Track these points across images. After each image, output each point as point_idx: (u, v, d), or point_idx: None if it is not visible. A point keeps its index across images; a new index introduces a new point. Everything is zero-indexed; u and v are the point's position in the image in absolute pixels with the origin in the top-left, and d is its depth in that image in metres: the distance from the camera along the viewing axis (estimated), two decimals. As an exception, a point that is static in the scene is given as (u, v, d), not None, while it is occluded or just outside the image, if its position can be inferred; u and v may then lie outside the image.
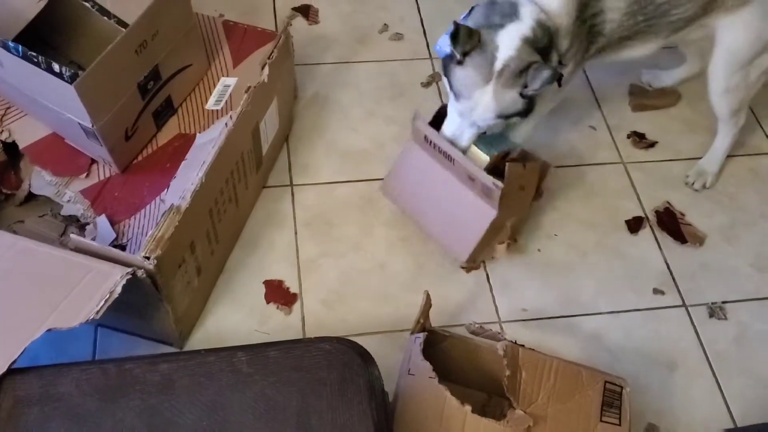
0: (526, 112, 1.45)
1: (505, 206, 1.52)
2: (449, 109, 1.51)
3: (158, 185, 1.55)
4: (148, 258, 1.25)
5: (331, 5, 2.14)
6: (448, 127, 1.51)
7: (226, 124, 1.45)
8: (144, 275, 1.24)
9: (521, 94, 1.40)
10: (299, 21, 2.10)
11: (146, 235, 1.47)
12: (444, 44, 1.52)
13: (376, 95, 1.96)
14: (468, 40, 1.38)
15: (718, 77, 1.65)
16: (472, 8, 1.49)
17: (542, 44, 1.40)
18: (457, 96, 1.45)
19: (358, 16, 2.13)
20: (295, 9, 2.11)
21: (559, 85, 1.41)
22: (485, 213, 1.53)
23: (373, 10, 2.15)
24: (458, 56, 1.40)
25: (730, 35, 1.58)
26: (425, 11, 2.16)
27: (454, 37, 1.38)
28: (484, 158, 1.51)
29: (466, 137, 1.50)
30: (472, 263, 1.63)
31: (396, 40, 2.08)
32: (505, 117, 1.45)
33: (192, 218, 1.35)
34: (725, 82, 1.65)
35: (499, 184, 1.46)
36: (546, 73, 1.34)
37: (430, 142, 1.56)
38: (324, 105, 1.92)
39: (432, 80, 1.99)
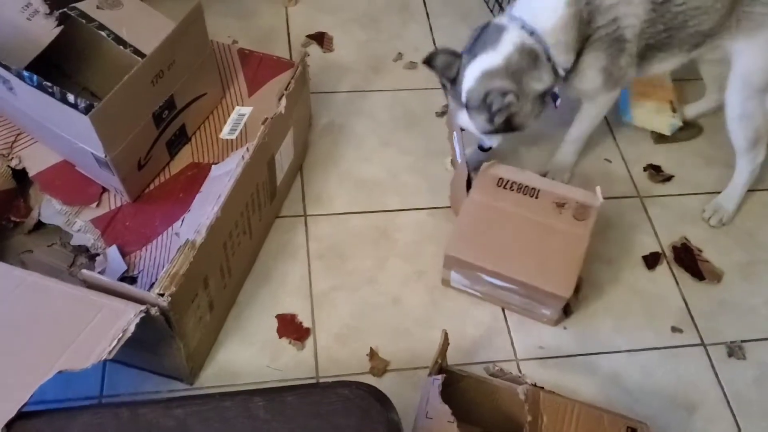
0: (514, 128, 1.57)
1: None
2: None
3: (170, 215, 1.53)
4: (162, 295, 1.22)
5: (345, 33, 2.13)
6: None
7: (243, 156, 1.43)
8: (157, 313, 1.21)
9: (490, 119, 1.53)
10: (314, 48, 2.08)
11: (158, 266, 1.46)
12: None
13: (390, 124, 1.94)
14: (446, 69, 1.58)
15: (734, 103, 1.64)
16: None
17: (520, 66, 1.50)
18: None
19: (372, 45, 2.12)
20: (309, 36, 2.10)
21: (554, 103, 1.57)
22: (578, 238, 1.50)
23: (387, 39, 2.14)
24: (443, 81, 1.59)
25: (745, 59, 1.58)
26: (439, 40, 2.15)
27: (428, 61, 1.59)
28: None
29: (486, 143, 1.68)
30: (575, 298, 1.57)
31: (410, 69, 2.07)
32: (493, 133, 1.59)
33: (207, 253, 1.33)
34: (740, 108, 1.64)
35: (599, 197, 1.54)
36: (501, 99, 1.47)
37: (507, 182, 1.57)
38: (338, 134, 1.90)
39: (446, 110, 1.98)
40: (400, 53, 2.10)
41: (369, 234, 1.72)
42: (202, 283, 1.36)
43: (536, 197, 1.55)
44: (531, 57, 1.49)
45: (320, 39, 2.10)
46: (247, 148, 1.44)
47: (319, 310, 1.58)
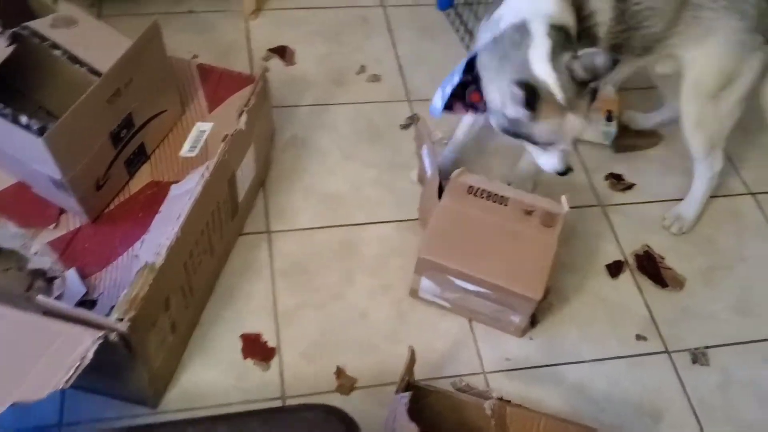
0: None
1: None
2: (535, 153, 1.46)
3: (131, 236, 1.50)
4: (121, 320, 1.19)
5: (307, 46, 2.12)
6: (548, 163, 1.45)
7: (202, 174, 1.41)
8: (116, 338, 1.18)
9: (589, 84, 1.34)
10: (275, 62, 2.07)
11: (119, 288, 1.43)
12: (437, 105, 1.50)
13: (353, 138, 1.93)
14: (533, 96, 1.31)
15: (688, 111, 1.66)
16: (472, 58, 1.44)
17: (564, 40, 1.35)
18: (546, 144, 1.41)
19: (335, 58, 2.11)
20: (271, 50, 2.09)
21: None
22: (546, 243, 1.52)
23: (350, 52, 2.13)
24: (530, 115, 1.33)
25: (695, 66, 1.59)
26: (402, 52, 2.15)
27: (531, 100, 1.30)
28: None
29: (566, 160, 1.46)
30: (548, 291, 1.57)
31: (373, 82, 2.07)
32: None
33: (167, 274, 1.30)
34: (695, 115, 1.66)
35: (565, 205, 1.55)
36: (598, 57, 1.30)
37: (477, 190, 1.57)
38: (301, 148, 1.89)
39: (410, 122, 1.97)
40: (362, 66, 2.10)
41: (334, 249, 1.71)
42: (163, 304, 1.34)
43: (505, 205, 1.57)
44: (562, 31, 1.37)
45: (282, 52, 2.09)
46: (207, 166, 1.42)
47: (285, 329, 1.56)
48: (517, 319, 1.56)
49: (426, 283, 1.58)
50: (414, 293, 1.63)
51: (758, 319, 1.69)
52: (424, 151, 1.68)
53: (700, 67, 1.59)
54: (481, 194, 1.59)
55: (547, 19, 1.36)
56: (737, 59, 1.56)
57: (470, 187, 1.60)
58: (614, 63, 1.31)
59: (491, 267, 1.50)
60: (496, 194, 1.59)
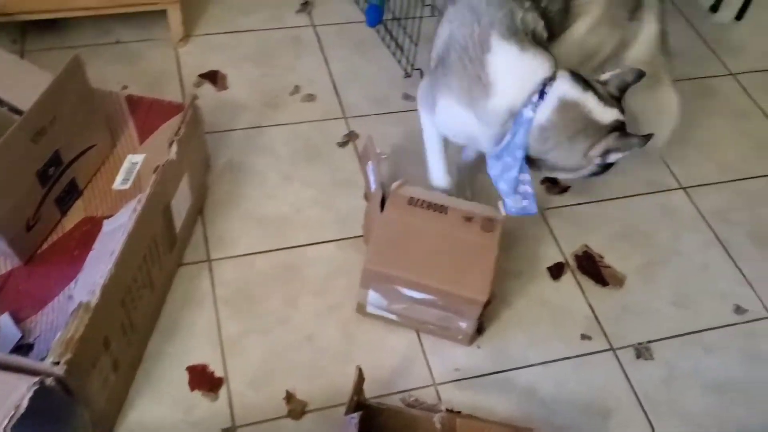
0: None
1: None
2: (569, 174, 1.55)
3: (67, 275, 1.47)
4: (57, 363, 1.16)
5: (238, 70, 2.11)
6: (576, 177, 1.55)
7: (135, 208, 1.39)
8: (53, 383, 1.15)
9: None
10: (207, 88, 2.05)
11: (56, 330, 1.38)
12: (530, 207, 1.56)
13: (291, 159, 1.93)
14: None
15: None
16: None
17: (581, 79, 1.45)
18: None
19: (267, 80, 2.10)
20: (201, 76, 2.07)
21: None
22: (488, 247, 1.54)
23: (282, 73, 2.13)
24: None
25: (563, 43, 1.61)
26: (335, 70, 2.15)
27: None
28: None
29: None
30: (494, 297, 1.58)
31: (308, 102, 2.06)
32: None
33: (104, 313, 1.28)
34: None
35: (502, 211, 1.58)
36: (628, 75, 1.48)
37: (417, 200, 1.60)
38: (238, 173, 1.87)
39: (348, 139, 1.98)
40: (296, 86, 2.09)
41: (277, 273, 1.69)
42: (103, 344, 1.31)
43: (445, 213, 1.59)
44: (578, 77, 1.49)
45: (213, 78, 2.07)
46: (139, 199, 1.40)
47: (231, 357, 1.54)
48: (465, 325, 1.57)
49: (373, 296, 1.59)
50: (361, 309, 1.63)
51: (696, 311, 1.74)
52: (370, 168, 1.69)
53: (567, 44, 1.62)
54: (422, 204, 1.60)
55: (567, 78, 1.42)
56: (602, 35, 1.62)
57: (411, 198, 1.62)
58: (641, 75, 1.46)
59: (436, 273, 1.52)
60: (436, 204, 1.61)
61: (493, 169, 1.54)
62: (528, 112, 1.42)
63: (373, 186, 1.66)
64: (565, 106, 1.41)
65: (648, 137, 1.42)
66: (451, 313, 1.54)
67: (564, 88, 1.41)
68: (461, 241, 1.56)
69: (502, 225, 1.58)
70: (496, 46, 1.41)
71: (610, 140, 1.42)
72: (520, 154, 1.45)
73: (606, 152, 1.43)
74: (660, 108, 1.75)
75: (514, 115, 1.43)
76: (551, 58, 1.44)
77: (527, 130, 1.43)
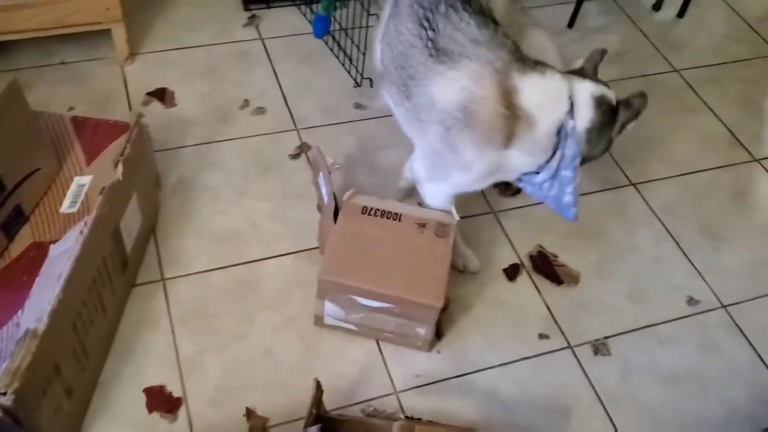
0: None
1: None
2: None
3: (15, 303, 1.42)
4: (4, 393, 1.14)
5: (186, 86, 2.10)
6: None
7: (81, 231, 1.37)
8: (1, 414, 1.13)
9: None
10: (155, 105, 2.03)
11: (5, 360, 1.35)
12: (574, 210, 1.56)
13: (243, 173, 1.92)
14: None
15: None
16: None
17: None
18: None
19: (216, 95, 2.09)
20: (149, 94, 2.05)
21: None
22: (441, 253, 1.55)
23: (231, 87, 2.12)
24: None
25: None
26: (285, 82, 2.15)
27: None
28: None
29: None
30: (446, 309, 1.59)
31: (258, 115, 2.06)
32: None
33: (53, 339, 1.25)
34: None
35: (455, 215, 1.60)
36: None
37: (371, 209, 1.60)
38: (190, 190, 1.86)
39: (300, 151, 1.98)
40: (246, 100, 2.08)
41: (233, 289, 1.68)
42: (53, 371, 1.28)
43: (399, 220, 1.60)
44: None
45: (161, 95, 2.05)
46: (85, 222, 1.38)
47: (189, 377, 1.52)
48: (423, 331, 1.57)
49: (330, 308, 1.58)
50: (319, 320, 1.62)
51: (650, 305, 1.77)
52: (321, 179, 1.69)
53: None
54: (375, 213, 1.61)
55: (579, 77, 1.50)
56: None
57: (364, 207, 1.62)
58: (605, 51, 1.57)
59: (391, 281, 1.52)
60: (389, 211, 1.62)
61: (547, 190, 1.54)
62: (571, 123, 1.45)
63: (325, 197, 1.65)
64: (597, 102, 1.47)
65: (644, 94, 1.52)
66: (409, 320, 1.55)
67: (587, 86, 1.48)
68: (415, 248, 1.56)
69: (455, 230, 1.59)
70: (521, 84, 1.42)
71: (624, 114, 1.51)
72: (577, 162, 1.48)
73: (623, 127, 1.53)
74: (539, 48, 1.74)
75: (555, 133, 1.46)
76: (556, 64, 1.50)
77: (575, 139, 1.45)
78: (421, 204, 1.69)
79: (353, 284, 1.52)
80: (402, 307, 1.52)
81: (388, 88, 1.63)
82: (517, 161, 1.50)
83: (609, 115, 1.49)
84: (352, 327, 1.61)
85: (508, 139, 1.45)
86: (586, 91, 1.47)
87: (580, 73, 1.52)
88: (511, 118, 1.42)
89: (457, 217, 1.60)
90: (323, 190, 1.68)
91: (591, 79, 1.50)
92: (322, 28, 2.22)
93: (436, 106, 1.46)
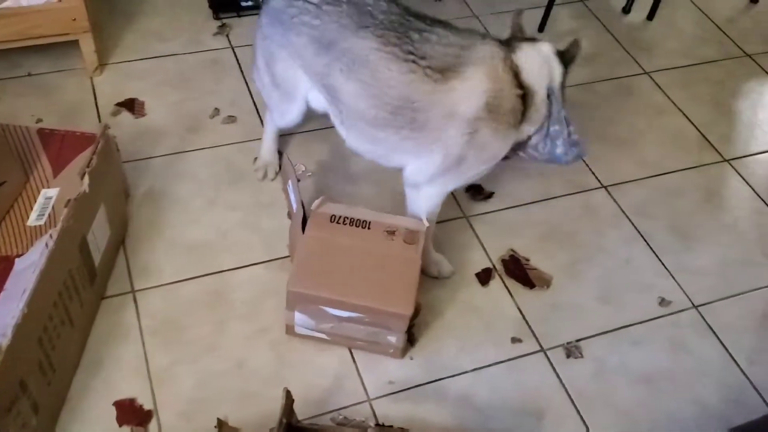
0: None
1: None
2: None
3: (-19, 318, 1.42)
4: (-34, 413, 1.12)
5: (157, 96, 2.08)
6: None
7: (46, 244, 1.36)
8: (-37, 433, 1.11)
9: None
10: (125, 116, 2.02)
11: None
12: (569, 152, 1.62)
13: (214, 182, 1.91)
14: None
15: None
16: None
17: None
18: None
19: (186, 104, 2.08)
20: (119, 104, 2.04)
21: None
22: (411, 260, 1.55)
23: (201, 96, 2.11)
24: None
25: None
26: (255, 91, 2.13)
27: None
28: None
29: None
30: (417, 316, 1.60)
31: (229, 123, 2.05)
32: None
33: (18, 354, 1.24)
34: None
35: (425, 222, 1.59)
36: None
37: (339, 218, 1.59)
38: (160, 200, 1.84)
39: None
40: (216, 109, 2.08)
41: (204, 299, 1.67)
42: (18, 387, 1.27)
43: (368, 228, 1.60)
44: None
45: (131, 105, 2.04)
46: (50, 235, 1.36)
47: (160, 389, 1.51)
48: (394, 339, 1.57)
49: (300, 318, 1.57)
50: (290, 330, 1.61)
51: (622, 306, 1.77)
52: (290, 187, 1.68)
53: None
54: (344, 221, 1.60)
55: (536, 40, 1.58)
56: None
57: (332, 216, 1.61)
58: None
59: (360, 290, 1.51)
60: (358, 219, 1.61)
61: (542, 148, 1.59)
62: (555, 83, 1.54)
63: (294, 205, 1.65)
64: (559, 57, 1.54)
65: (578, 42, 1.56)
66: (379, 328, 1.54)
67: (546, 46, 1.54)
68: (384, 256, 1.56)
69: (424, 236, 1.59)
70: (518, 62, 1.50)
71: (572, 62, 1.56)
72: (564, 113, 1.55)
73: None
74: None
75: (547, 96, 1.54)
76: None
77: (558, 94, 1.54)
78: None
79: (322, 295, 1.51)
80: (371, 316, 1.52)
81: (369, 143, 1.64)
82: (524, 134, 1.56)
83: (566, 65, 1.56)
84: (324, 336, 1.60)
85: (523, 115, 1.52)
86: (548, 50, 1.54)
87: (530, 39, 1.57)
88: (522, 96, 1.50)
89: (426, 223, 1.60)
90: (292, 198, 1.67)
91: (535, 40, 1.57)
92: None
93: (457, 118, 1.49)
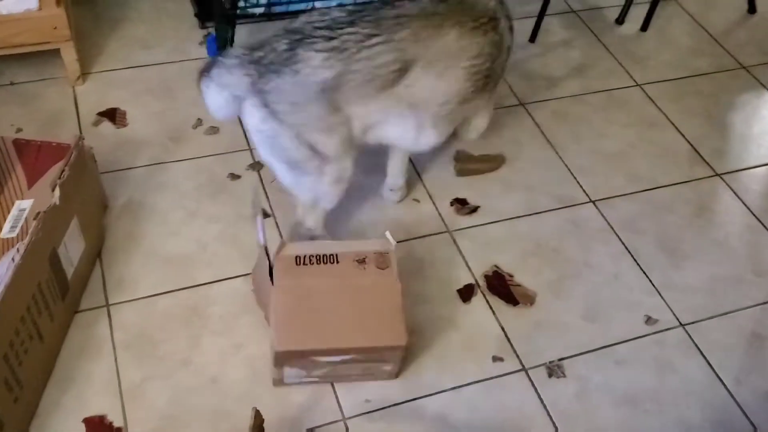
0: None
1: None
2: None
3: (-52, 334, 1.40)
4: None
5: (139, 106, 2.06)
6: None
7: (12, 258, 1.33)
8: None
9: None
10: (106, 125, 1.99)
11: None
12: None
13: (195, 194, 1.88)
14: None
15: None
16: None
17: None
18: None
19: (169, 114, 2.06)
20: (100, 114, 2.01)
21: None
22: (389, 285, 1.50)
23: (184, 106, 2.08)
24: None
25: None
26: (239, 101, 2.12)
27: None
28: None
29: None
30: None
31: (211, 134, 2.02)
32: None
33: (-21, 372, 1.21)
34: None
35: (391, 241, 1.54)
36: None
37: (304, 257, 1.52)
38: (139, 212, 1.82)
39: (252, 170, 1.94)
40: (199, 119, 2.05)
41: (180, 313, 1.64)
42: (-19, 404, 1.24)
43: (336, 262, 1.53)
44: None
45: (112, 115, 2.02)
46: (17, 249, 1.34)
47: (131, 405, 1.48)
48: (389, 367, 1.54)
49: (290, 371, 1.52)
50: (278, 383, 1.55)
51: (607, 324, 1.74)
52: (258, 221, 1.59)
53: None
54: (310, 260, 1.53)
55: None
56: None
57: (297, 257, 1.53)
58: None
59: (349, 332, 1.46)
60: (324, 254, 1.54)
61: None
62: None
63: (261, 238, 1.57)
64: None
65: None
66: (374, 362, 1.51)
67: None
68: (361, 289, 1.50)
69: (395, 256, 1.54)
70: None
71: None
72: None
73: None
74: None
75: None
76: None
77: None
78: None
79: (311, 348, 1.45)
80: (366, 354, 1.48)
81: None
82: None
83: None
84: (316, 380, 1.55)
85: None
86: None
87: None
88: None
89: (393, 242, 1.55)
90: (259, 234, 1.56)
91: None
92: (214, 48, 2.20)
93: (461, 58, 1.58)
